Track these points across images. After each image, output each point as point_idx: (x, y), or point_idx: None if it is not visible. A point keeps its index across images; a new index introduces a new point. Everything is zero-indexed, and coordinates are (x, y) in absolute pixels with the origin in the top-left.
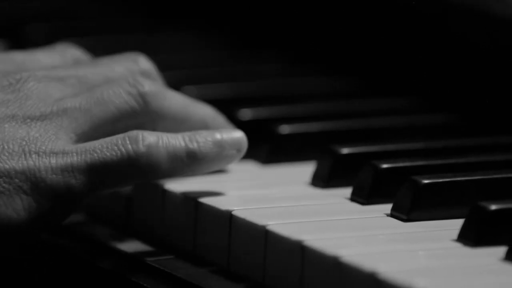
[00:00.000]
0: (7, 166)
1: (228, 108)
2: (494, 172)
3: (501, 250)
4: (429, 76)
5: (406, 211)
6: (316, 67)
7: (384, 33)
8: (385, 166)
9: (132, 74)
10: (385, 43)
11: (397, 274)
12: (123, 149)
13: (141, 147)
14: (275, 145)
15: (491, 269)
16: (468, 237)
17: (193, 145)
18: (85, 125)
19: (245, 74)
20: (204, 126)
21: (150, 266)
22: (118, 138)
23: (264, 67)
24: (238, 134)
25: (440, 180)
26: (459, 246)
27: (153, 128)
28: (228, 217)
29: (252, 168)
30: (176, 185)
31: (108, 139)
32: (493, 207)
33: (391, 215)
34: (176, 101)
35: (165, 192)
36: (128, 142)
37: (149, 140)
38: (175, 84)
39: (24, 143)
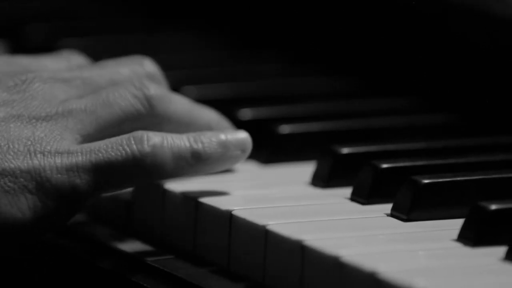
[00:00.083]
0: (12, 166)
1: (228, 108)
2: (494, 172)
3: (501, 250)
4: (429, 76)
5: (406, 211)
6: (316, 67)
7: (384, 33)
8: (385, 166)
9: (138, 77)
10: (385, 43)
11: (397, 274)
12: (128, 149)
13: (146, 147)
14: (275, 145)
15: (491, 269)
16: (468, 237)
17: (198, 146)
18: (90, 127)
19: (245, 74)
20: (208, 130)
21: (150, 266)
22: (123, 138)
23: (264, 67)
24: (243, 135)
25: (440, 180)
26: (459, 246)
27: (158, 131)
28: (228, 217)
29: (252, 168)
30: (176, 185)
31: (113, 139)
32: (493, 207)
33: (391, 215)
34: (182, 105)
35: (165, 192)
36: (133, 142)
37: (154, 140)
38: (175, 84)
39: (29, 142)
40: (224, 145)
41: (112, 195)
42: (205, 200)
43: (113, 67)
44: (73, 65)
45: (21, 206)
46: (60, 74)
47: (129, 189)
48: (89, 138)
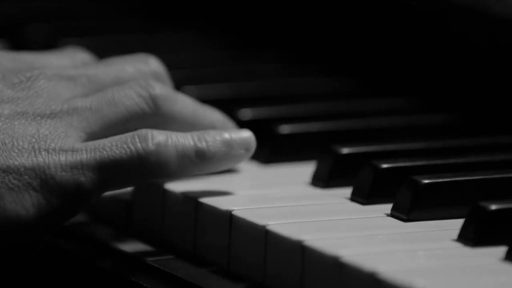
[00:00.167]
0: (16, 163)
1: (228, 108)
2: (494, 172)
3: (501, 250)
4: (429, 76)
5: (406, 211)
6: (316, 67)
7: (384, 33)
8: (385, 166)
9: (143, 75)
10: (385, 43)
11: (397, 274)
12: (132, 147)
13: (151, 146)
14: (275, 145)
15: (491, 269)
16: (468, 237)
17: (202, 144)
18: (95, 125)
19: (245, 74)
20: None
21: (150, 266)
22: (127, 136)
23: (264, 67)
24: (247, 134)
25: (440, 180)
26: (459, 246)
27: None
28: (228, 217)
29: (252, 168)
30: (176, 185)
31: (117, 137)
32: (493, 207)
33: (391, 215)
34: (187, 105)
35: (165, 192)
36: (137, 140)
37: (158, 138)
38: (175, 84)
39: (33, 140)
40: (228, 144)
41: (112, 195)
42: (205, 200)
43: (118, 65)
44: (78, 62)
45: (25, 204)
46: (65, 71)
47: (129, 189)
48: (93, 136)
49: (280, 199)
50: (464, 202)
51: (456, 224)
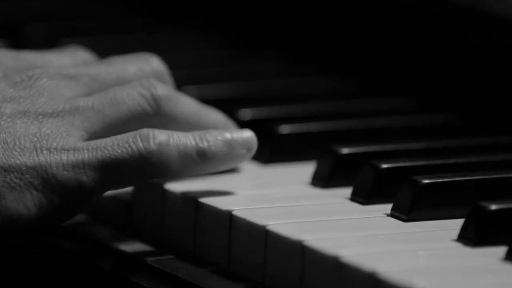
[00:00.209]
0: (18, 162)
1: (228, 108)
2: (494, 172)
3: (501, 250)
4: (429, 76)
5: (406, 211)
6: (316, 67)
7: (384, 33)
8: (385, 166)
9: (145, 74)
10: (385, 43)
11: (397, 274)
12: (134, 147)
13: (152, 145)
14: (275, 145)
15: (491, 269)
16: (468, 237)
17: (204, 144)
18: (96, 125)
19: (245, 74)
20: None
21: (150, 266)
22: (129, 136)
23: (264, 67)
24: (248, 134)
25: (440, 180)
26: (459, 246)
27: None
28: (228, 217)
29: (252, 168)
30: (176, 185)
31: (119, 136)
32: (493, 207)
33: (391, 215)
34: (188, 105)
35: (165, 192)
36: (139, 139)
37: (160, 138)
38: (175, 84)
39: (35, 139)
40: (230, 143)
41: (112, 195)
42: (205, 200)
43: (120, 64)
44: (79, 61)
45: (27, 203)
46: (66, 70)
47: (129, 189)
48: (95, 136)
49: (280, 199)
50: (464, 202)
51: (456, 224)
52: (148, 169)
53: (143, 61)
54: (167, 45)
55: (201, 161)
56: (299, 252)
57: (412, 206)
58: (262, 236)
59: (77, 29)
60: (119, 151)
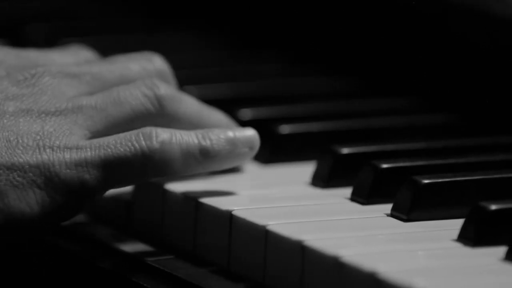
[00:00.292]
0: (21, 160)
1: (228, 108)
2: (494, 172)
3: (501, 250)
4: (429, 76)
5: (406, 211)
6: (316, 67)
7: (384, 33)
8: (385, 166)
9: (148, 73)
10: (385, 43)
11: (397, 274)
12: (137, 145)
13: (155, 143)
14: (275, 145)
15: (491, 269)
16: (468, 237)
17: (206, 142)
18: (99, 124)
19: (245, 74)
20: None
21: (150, 266)
22: (132, 134)
23: (264, 67)
24: (251, 132)
25: (440, 180)
26: (459, 246)
27: None
28: (228, 217)
29: (252, 168)
30: (176, 185)
31: (122, 134)
32: (493, 207)
33: (391, 215)
34: (191, 106)
35: (165, 192)
36: (142, 138)
37: (163, 136)
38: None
39: (38, 137)
40: (232, 142)
41: (112, 195)
42: (205, 200)
43: (122, 63)
44: (81, 59)
45: (30, 201)
46: (69, 69)
47: (129, 189)
48: (98, 134)
49: (280, 199)
50: (464, 202)
51: (456, 224)
52: (150, 168)
53: (146, 60)
54: (167, 45)
55: (203, 160)
56: (299, 252)
57: (412, 206)
58: (262, 236)
59: (77, 29)
60: (121, 149)
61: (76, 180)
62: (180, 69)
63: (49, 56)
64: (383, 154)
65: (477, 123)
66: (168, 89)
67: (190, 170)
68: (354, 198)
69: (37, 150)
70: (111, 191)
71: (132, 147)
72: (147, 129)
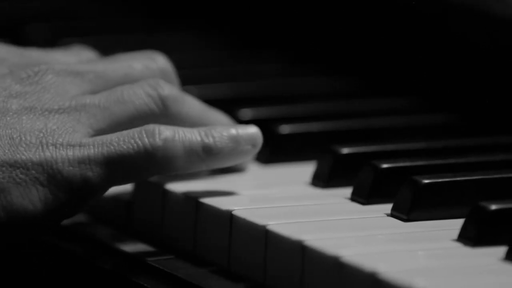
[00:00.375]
0: (24, 157)
1: (228, 108)
2: (494, 172)
3: (501, 250)
4: (429, 76)
5: (406, 211)
6: (316, 67)
7: (384, 33)
8: (385, 166)
9: (151, 72)
10: (385, 43)
11: (397, 274)
12: (139, 143)
13: (158, 141)
14: (275, 145)
15: (491, 269)
16: (468, 237)
17: (209, 140)
18: (103, 122)
19: (245, 74)
20: None
21: (150, 266)
22: (134, 132)
23: (264, 67)
24: (253, 130)
25: (440, 180)
26: (459, 246)
27: None
28: (228, 217)
29: (252, 168)
30: (177, 185)
31: (125, 132)
32: (493, 207)
33: (391, 215)
34: (194, 107)
35: (166, 192)
36: (144, 135)
37: (166, 134)
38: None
39: (41, 135)
40: (235, 139)
41: (112, 195)
42: (206, 200)
43: (126, 62)
44: (84, 59)
45: (33, 198)
46: (72, 67)
47: (129, 189)
48: (101, 133)
49: (280, 199)
50: (464, 202)
51: (456, 224)
52: (153, 165)
53: (149, 59)
54: (167, 45)
55: (206, 157)
56: (299, 252)
57: (412, 206)
58: (262, 236)
59: (77, 29)
60: (124, 146)
61: (79, 177)
62: (180, 69)
63: (52, 55)
64: (383, 154)
65: (477, 123)
66: (172, 90)
67: (193, 167)
68: (354, 198)
69: (40, 148)
70: (111, 191)
71: (135, 145)
72: (150, 127)
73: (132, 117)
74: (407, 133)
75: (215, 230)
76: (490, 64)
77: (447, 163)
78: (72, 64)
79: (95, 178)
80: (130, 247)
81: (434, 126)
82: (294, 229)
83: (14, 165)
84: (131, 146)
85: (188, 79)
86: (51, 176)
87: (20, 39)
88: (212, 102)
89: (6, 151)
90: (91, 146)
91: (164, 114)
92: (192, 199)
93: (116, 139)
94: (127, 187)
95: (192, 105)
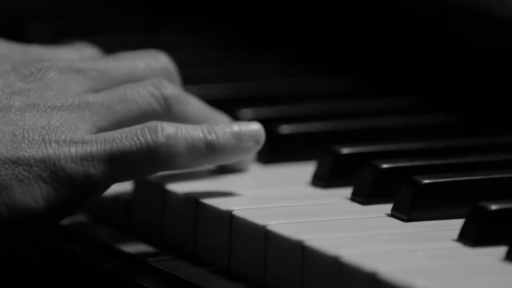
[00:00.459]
0: (26, 154)
1: (228, 108)
2: (494, 172)
3: (501, 250)
4: (429, 76)
5: (406, 211)
6: (316, 67)
7: (384, 33)
8: (385, 166)
9: (154, 71)
10: (385, 43)
11: (397, 274)
12: (142, 139)
13: (160, 138)
14: (275, 145)
15: (491, 269)
16: (468, 237)
17: (212, 137)
18: (105, 121)
19: (245, 74)
20: None
21: (150, 266)
22: (137, 129)
23: (264, 67)
24: (256, 126)
25: (440, 180)
26: (459, 246)
27: None
28: (228, 217)
29: (252, 168)
30: (177, 185)
31: (127, 129)
32: (493, 207)
33: (391, 215)
34: (197, 107)
35: (166, 192)
36: (147, 132)
37: (168, 130)
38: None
39: (44, 132)
40: (238, 136)
41: (112, 195)
42: (206, 200)
43: (128, 60)
44: (86, 56)
45: (35, 195)
46: (75, 64)
47: (129, 189)
48: (103, 131)
49: (280, 199)
50: (464, 202)
51: (456, 224)
52: (156, 162)
53: (152, 58)
54: (167, 45)
55: (209, 154)
56: (299, 252)
57: (412, 206)
58: (262, 236)
59: (77, 29)
60: (127, 143)
61: (82, 174)
62: (180, 69)
63: (55, 52)
64: (383, 154)
65: (477, 123)
66: (175, 90)
67: (196, 164)
68: (354, 198)
69: (43, 145)
70: (111, 191)
71: (138, 141)
72: (153, 123)
73: (135, 116)
74: (407, 133)
75: (215, 230)
76: (490, 64)
77: (447, 163)
78: (74, 62)
79: (98, 175)
80: (130, 247)
81: (434, 126)
82: (294, 229)
83: (16, 162)
84: (133, 143)
85: (188, 79)
86: (53, 173)
87: (20, 39)
88: (212, 102)
89: (9, 148)
90: (94, 143)
91: (167, 114)
92: (192, 199)
93: (119, 136)
94: (127, 187)
95: (195, 105)
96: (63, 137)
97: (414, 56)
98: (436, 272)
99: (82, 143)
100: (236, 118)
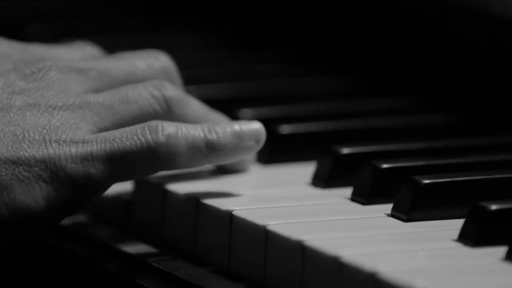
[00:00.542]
0: (27, 154)
1: (228, 108)
2: (494, 172)
3: (501, 250)
4: (429, 76)
5: (406, 211)
6: (316, 67)
7: (384, 33)
8: (385, 166)
9: (154, 71)
10: (385, 43)
11: (397, 274)
12: (142, 139)
13: (161, 137)
14: (275, 145)
15: (491, 269)
16: (468, 237)
17: (212, 136)
18: (106, 121)
19: (245, 74)
20: None
21: (150, 266)
22: (137, 128)
23: (264, 67)
24: (257, 125)
25: (441, 180)
26: (459, 246)
27: None
28: (228, 217)
29: (252, 168)
30: (177, 185)
31: (127, 128)
32: (493, 207)
33: (391, 215)
34: (198, 109)
35: (166, 192)
36: (148, 132)
37: (169, 130)
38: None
39: (44, 131)
40: (238, 135)
41: (112, 195)
42: (206, 200)
43: (129, 60)
44: (87, 55)
45: (35, 195)
46: (76, 64)
47: (129, 189)
48: (104, 131)
49: (280, 199)
50: (464, 202)
51: (456, 224)
52: (156, 161)
53: (153, 58)
54: (167, 45)
55: (210, 153)
56: (299, 252)
57: (412, 206)
58: (262, 236)
59: (77, 29)
60: (127, 143)
61: (82, 174)
62: (180, 69)
63: (56, 51)
64: (383, 154)
65: (477, 123)
66: (176, 91)
67: (196, 163)
68: (355, 198)
69: (43, 144)
70: (111, 191)
71: (138, 141)
72: (153, 123)
73: (136, 117)
74: (407, 133)
75: (215, 230)
76: (490, 64)
77: (447, 163)
78: (75, 61)
79: (98, 174)
80: (130, 247)
81: (434, 126)
82: (294, 229)
83: (17, 162)
84: (134, 143)
85: (188, 79)
86: (54, 173)
87: (20, 39)
88: (212, 102)
89: (9, 148)
90: (94, 143)
91: (167, 116)
92: (192, 199)
93: (119, 135)
94: (127, 187)
95: (196, 107)
96: (63, 136)
97: (414, 56)
98: (436, 272)
99: (83, 143)
100: (236, 118)
